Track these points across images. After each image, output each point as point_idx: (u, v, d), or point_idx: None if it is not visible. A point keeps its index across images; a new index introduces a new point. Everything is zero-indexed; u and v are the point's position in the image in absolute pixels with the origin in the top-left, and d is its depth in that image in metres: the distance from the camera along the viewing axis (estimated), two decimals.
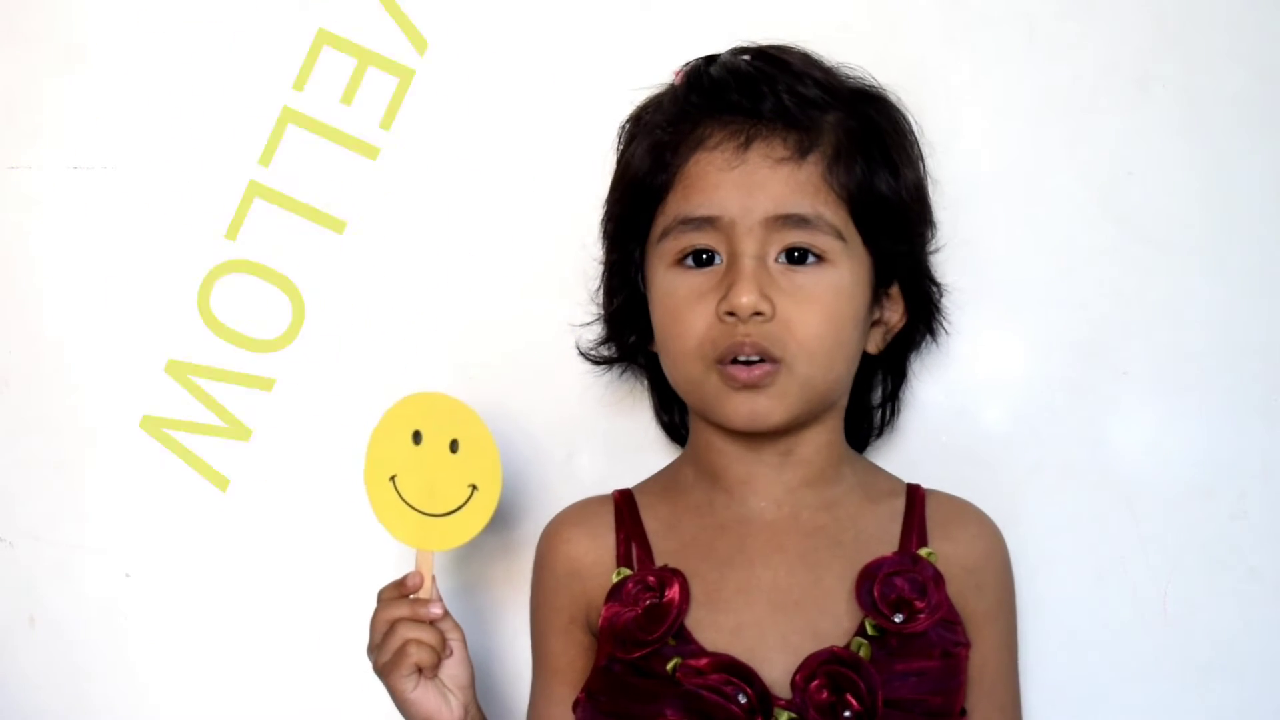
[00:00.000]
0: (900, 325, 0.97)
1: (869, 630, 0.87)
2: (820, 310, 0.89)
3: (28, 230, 1.14)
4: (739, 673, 0.86)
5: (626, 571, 0.92)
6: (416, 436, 0.91)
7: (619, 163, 0.97)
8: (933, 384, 1.06)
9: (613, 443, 1.08)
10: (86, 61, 1.14)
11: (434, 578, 0.91)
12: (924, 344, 1.02)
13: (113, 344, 1.14)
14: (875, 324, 0.96)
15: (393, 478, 0.91)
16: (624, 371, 1.05)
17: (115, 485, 1.13)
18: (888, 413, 1.04)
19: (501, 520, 1.08)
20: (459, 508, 0.91)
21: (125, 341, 1.13)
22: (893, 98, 0.96)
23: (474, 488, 0.91)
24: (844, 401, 0.96)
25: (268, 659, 1.12)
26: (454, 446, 0.91)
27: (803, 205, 0.88)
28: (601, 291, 1.01)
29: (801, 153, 0.89)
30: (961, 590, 0.91)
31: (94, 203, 1.14)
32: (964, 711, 0.91)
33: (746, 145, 0.89)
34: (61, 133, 1.14)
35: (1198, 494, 1.04)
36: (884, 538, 0.92)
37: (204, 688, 1.13)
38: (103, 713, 1.14)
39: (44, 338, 1.14)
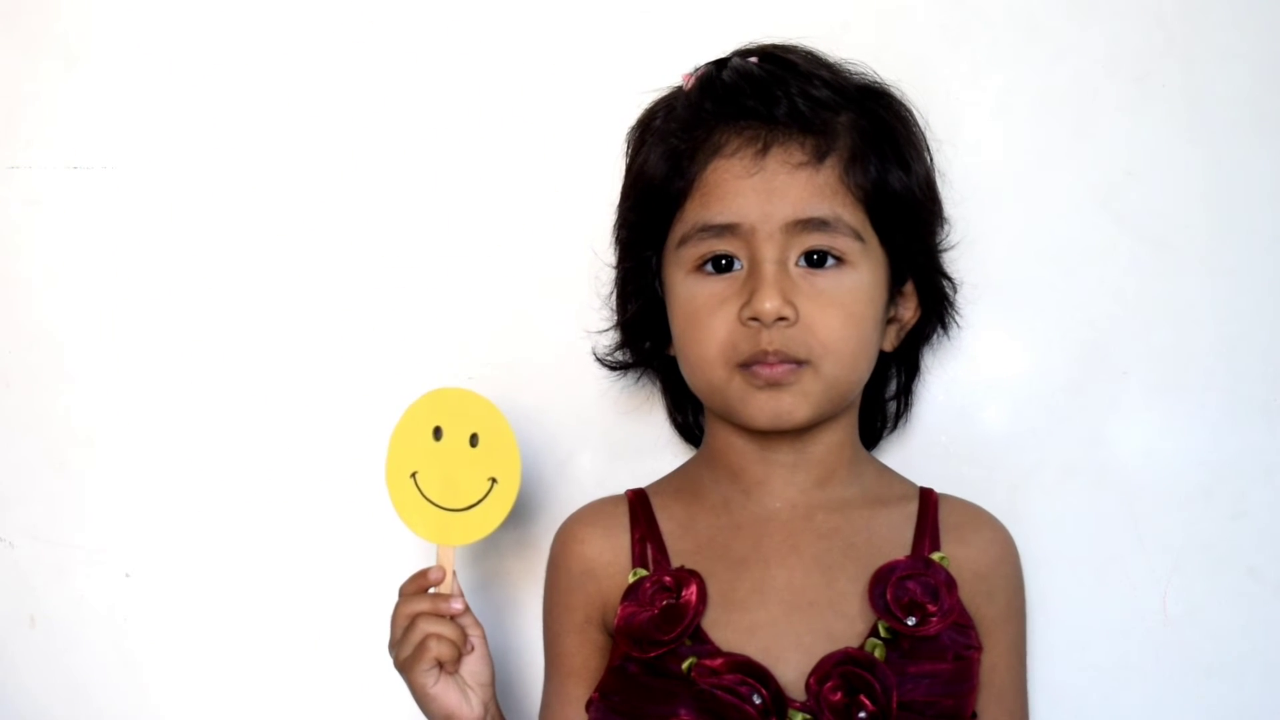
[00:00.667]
0: (914, 321, 0.98)
1: (882, 633, 0.88)
2: (842, 312, 0.89)
3: (28, 230, 1.14)
4: (754, 673, 0.86)
5: (643, 572, 0.92)
6: (437, 432, 0.92)
7: (630, 169, 0.97)
8: (933, 384, 1.06)
9: (619, 443, 1.08)
10: (86, 61, 1.14)
11: (455, 573, 0.91)
12: (935, 337, 1.02)
13: (113, 344, 1.14)
14: (890, 321, 0.96)
15: (414, 474, 0.91)
16: (640, 377, 1.05)
17: (115, 485, 1.13)
18: (902, 405, 1.04)
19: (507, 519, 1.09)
20: (479, 501, 0.91)
21: (125, 341, 1.13)
22: (897, 92, 0.96)
23: (494, 480, 0.91)
24: (858, 401, 0.97)
25: (269, 659, 1.12)
26: (473, 440, 0.91)
27: (822, 209, 0.89)
28: (615, 298, 1.01)
29: (819, 156, 0.89)
30: (972, 595, 0.91)
31: (94, 203, 1.14)
32: (975, 715, 0.91)
33: (764, 151, 0.89)
34: (61, 133, 1.14)
35: (1198, 494, 1.04)
36: (897, 541, 0.93)
37: (204, 688, 1.13)
38: (103, 713, 1.14)
39: (44, 338, 1.14)
